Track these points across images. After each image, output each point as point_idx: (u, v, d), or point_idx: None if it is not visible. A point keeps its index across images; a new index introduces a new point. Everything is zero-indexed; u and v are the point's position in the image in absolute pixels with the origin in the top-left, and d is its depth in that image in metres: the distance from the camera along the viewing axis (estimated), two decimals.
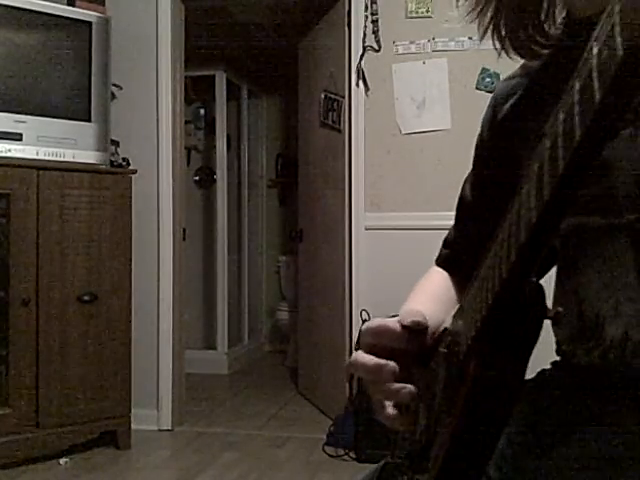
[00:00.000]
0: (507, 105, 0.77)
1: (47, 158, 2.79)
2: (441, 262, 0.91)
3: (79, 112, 2.89)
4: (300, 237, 3.97)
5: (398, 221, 3.15)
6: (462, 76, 3.07)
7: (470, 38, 2.99)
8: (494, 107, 0.80)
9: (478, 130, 0.85)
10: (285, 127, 5.47)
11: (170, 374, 3.35)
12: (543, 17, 0.72)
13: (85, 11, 2.95)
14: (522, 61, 0.77)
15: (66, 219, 2.81)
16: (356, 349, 0.68)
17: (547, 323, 0.50)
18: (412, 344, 0.64)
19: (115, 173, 3.00)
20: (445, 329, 0.62)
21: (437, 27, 3.10)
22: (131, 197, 2.99)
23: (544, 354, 0.64)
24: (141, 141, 3.33)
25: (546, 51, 0.73)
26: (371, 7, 3.15)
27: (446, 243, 0.92)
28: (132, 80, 3.31)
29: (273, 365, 5.03)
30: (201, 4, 3.65)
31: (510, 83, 0.78)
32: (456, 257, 0.89)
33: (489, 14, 0.72)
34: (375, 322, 0.66)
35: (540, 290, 0.47)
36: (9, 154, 2.71)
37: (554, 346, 0.72)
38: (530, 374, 0.58)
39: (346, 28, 3.23)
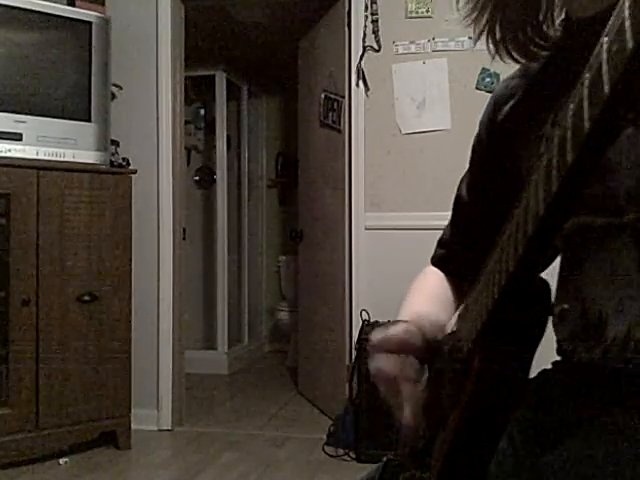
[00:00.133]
0: (507, 107, 0.77)
1: (47, 158, 2.79)
2: (436, 262, 0.91)
3: (79, 112, 2.89)
4: (300, 237, 3.97)
5: (398, 221, 3.15)
6: (462, 76, 3.07)
7: (470, 38, 2.99)
8: (493, 108, 0.80)
9: (476, 130, 0.85)
10: (285, 127, 5.47)
11: (170, 374, 3.35)
12: (542, 18, 0.72)
13: (85, 11, 2.95)
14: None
15: (66, 219, 2.81)
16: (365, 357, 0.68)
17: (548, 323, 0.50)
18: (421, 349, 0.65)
19: (115, 173, 3.00)
20: (452, 331, 0.62)
21: (437, 27, 3.10)
22: (131, 197, 2.99)
23: (545, 354, 0.64)
24: (141, 141, 3.32)
25: (544, 53, 0.73)
26: (371, 7, 3.15)
27: (441, 243, 0.92)
28: (132, 80, 3.31)
29: (273, 365, 5.03)
30: (201, 4, 3.65)
31: (510, 84, 0.79)
32: (451, 257, 0.89)
33: (485, 17, 0.72)
34: (386, 334, 0.66)
35: (546, 286, 0.48)
36: (9, 154, 2.71)
37: (555, 346, 0.72)
38: (531, 374, 0.58)
39: (346, 28, 3.23)
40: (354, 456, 2.90)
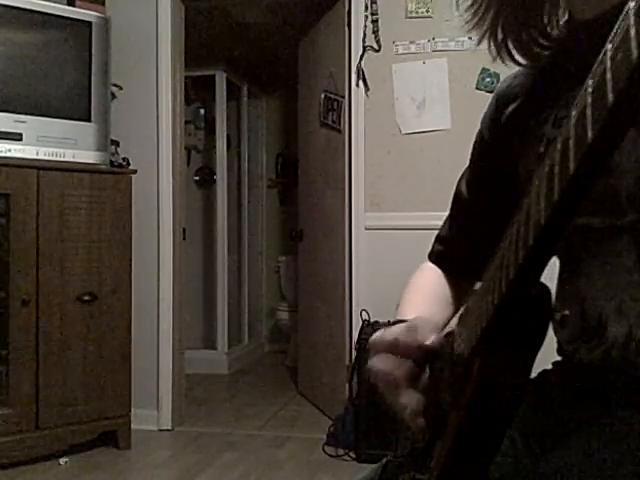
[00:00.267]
0: (510, 108, 0.77)
1: (47, 158, 2.79)
2: (434, 258, 0.91)
3: (79, 112, 2.88)
4: (300, 237, 3.97)
5: (398, 221, 3.15)
6: (462, 76, 3.07)
7: (470, 38, 2.99)
8: (496, 107, 0.80)
9: (478, 127, 0.85)
10: (285, 127, 5.47)
11: (170, 374, 3.35)
12: (546, 19, 0.72)
13: (85, 11, 2.95)
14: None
15: (66, 219, 2.81)
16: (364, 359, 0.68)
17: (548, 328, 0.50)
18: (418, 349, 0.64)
19: (115, 173, 3.00)
20: (450, 331, 0.62)
21: (437, 27, 3.10)
22: (131, 197, 2.99)
23: (545, 354, 0.64)
24: (141, 141, 3.32)
25: (547, 53, 0.73)
26: (371, 7, 3.15)
27: (439, 238, 0.92)
28: (132, 80, 3.31)
29: (273, 365, 5.02)
30: (201, 4, 3.65)
31: (512, 82, 0.79)
32: (449, 254, 0.89)
33: (489, 18, 0.72)
34: (386, 337, 0.66)
35: (546, 292, 0.47)
36: (9, 154, 2.71)
37: (555, 346, 0.72)
38: (531, 374, 0.58)
39: (346, 28, 3.23)
40: (354, 456, 2.90)
